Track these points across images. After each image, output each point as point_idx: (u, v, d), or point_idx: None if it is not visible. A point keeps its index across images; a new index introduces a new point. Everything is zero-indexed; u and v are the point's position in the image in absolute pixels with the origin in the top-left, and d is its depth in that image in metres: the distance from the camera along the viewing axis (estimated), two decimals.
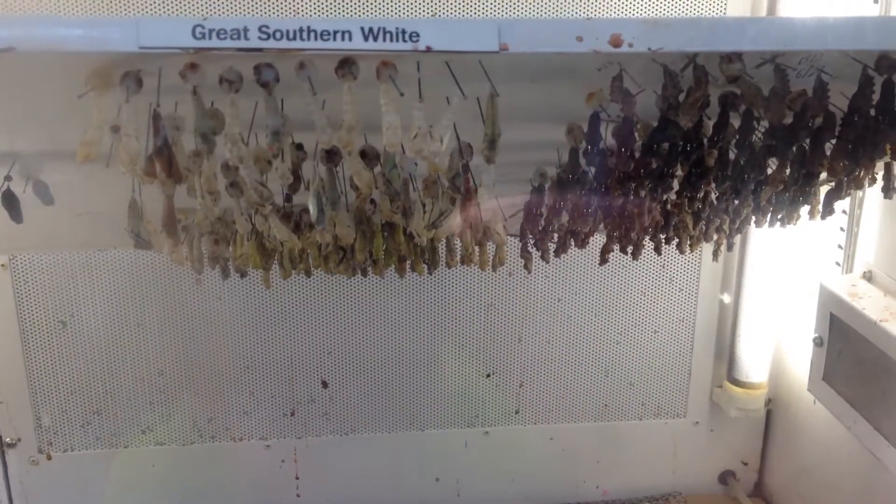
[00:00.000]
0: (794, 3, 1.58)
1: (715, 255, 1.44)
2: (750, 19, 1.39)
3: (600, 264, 1.36)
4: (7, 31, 0.70)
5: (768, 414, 1.95)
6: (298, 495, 1.87)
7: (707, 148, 0.92)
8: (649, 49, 0.76)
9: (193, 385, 1.76)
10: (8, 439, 1.75)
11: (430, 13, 1.54)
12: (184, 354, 1.74)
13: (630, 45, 0.76)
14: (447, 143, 0.80)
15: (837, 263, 1.66)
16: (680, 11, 1.60)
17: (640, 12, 1.60)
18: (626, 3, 1.60)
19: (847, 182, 1.05)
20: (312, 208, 0.86)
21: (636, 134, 0.91)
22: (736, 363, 1.87)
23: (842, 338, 1.57)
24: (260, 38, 0.73)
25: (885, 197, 1.11)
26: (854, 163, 0.91)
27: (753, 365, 1.86)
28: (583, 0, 1.58)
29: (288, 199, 1.05)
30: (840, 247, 1.65)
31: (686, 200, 1.16)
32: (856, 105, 0.84)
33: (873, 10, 1.42)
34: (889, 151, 0.92)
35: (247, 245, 1.20)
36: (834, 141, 0.93)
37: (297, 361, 1.78)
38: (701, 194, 1.13)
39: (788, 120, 0.90)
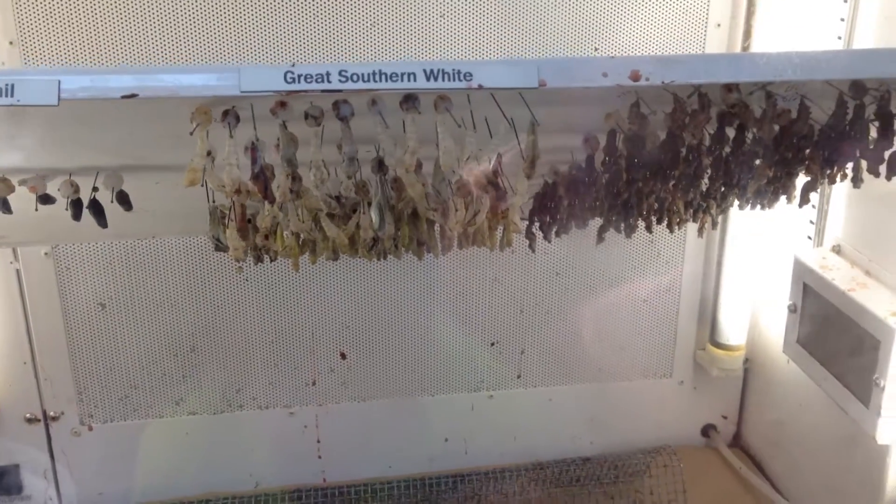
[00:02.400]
0: (765, 41, 1.77)
1: (700, 231, 1.59)
2: (746, 55, 1.54)
3: (597, 243, 1.50)
4: (133, 80, 0.83)
5: (746, 373, 2.14)
6: (320, 457, 2.02)
7: (706, 154, 1.07)
8: (662, 82, 0.91)
9: (222, 359, 1.90)
10: (52, 413, 1.88)
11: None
12: (213, 331, 1.88)
13: (647, 80, 0.91)
14: (494, 164, 0.95)
15: (809, 237, 1.84)
16: (659, 47, 1.78)
17: (629, 49, 1.77)
18: (620, 42, 1.78)
19: (821, 177, 1.21)
20: (375, 217, 1.01)
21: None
22: (717, 328, 2.05)
23: (813, 305, 1.75)
24: (340, 80, 0.87)
25: (854, 186, 1.27)
26: (829, 167, 1.08)
27: (733, 329, 2.04)
28: (580, 40, 1.76)
29: (337, 199, 1.19)
30: (812, 222, 1.83)
31: (680, 192, 1.32)
32: (832, 123, 1.00)
33: (837, 45, 1.59)
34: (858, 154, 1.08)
35: (290, 238, 1.34)
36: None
37: (317, 335, 1.92)
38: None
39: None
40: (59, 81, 0.83)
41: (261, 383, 1.95)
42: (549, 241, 1.47)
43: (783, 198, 1.37)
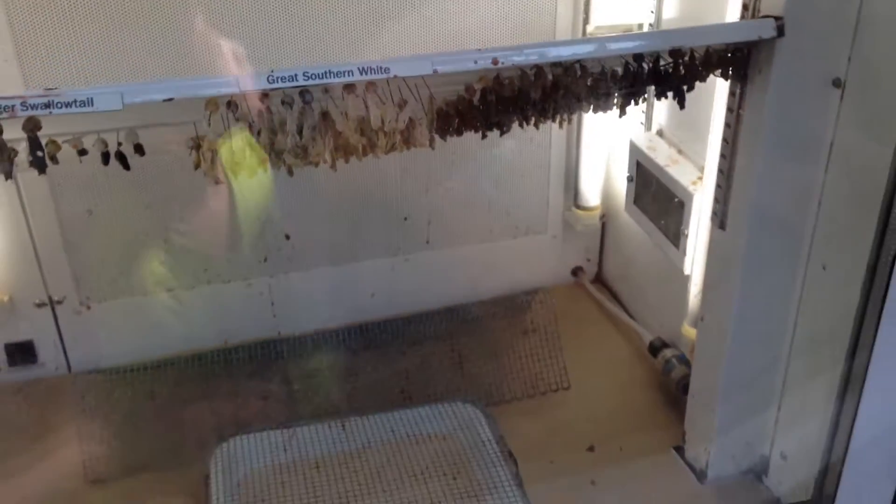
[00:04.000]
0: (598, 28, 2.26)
1: (560, 125, 2.10)
2: (565, 41, 2.01)
3: (482, 139, 2.01)
4: (170, 89, 1.28)
5: (603, 227, 2.71)
6: (274, 316, 2.50)
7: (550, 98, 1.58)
8: (513, 64, 1.41)
9: (192, 245, 2.34)
10: (56, 298, 2.32)
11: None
12: (181, 224, 2.31)
13: (502, 63, 1.41)
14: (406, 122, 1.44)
15: (641, 123, 2.39)
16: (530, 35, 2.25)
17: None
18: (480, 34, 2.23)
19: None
20: (329, 159, 1.49)
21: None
22: (579, 193, 2.61)
23: (643, 176, 2.30)
24: (304, 78, 1.33)
25: (657, 99, 1.81)
26: (630, 97, 1.61)
27: (590, 194, 2.60)
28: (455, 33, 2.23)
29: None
30: (643, 112, 2.37)
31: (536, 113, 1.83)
32: (628, 78, 1.52)
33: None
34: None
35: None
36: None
37: (266, 222, 2.36)
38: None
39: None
40: (122, 94, 1.27)
41: (223, 263, 2.40)
42: (445, 141, 1.96)
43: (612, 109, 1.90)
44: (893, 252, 1.47)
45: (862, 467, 1.72)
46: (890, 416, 1.66)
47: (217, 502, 1.91)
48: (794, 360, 1.86)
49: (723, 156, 1.76)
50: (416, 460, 2.03)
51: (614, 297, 2.73)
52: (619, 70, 1.54)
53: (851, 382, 1.65)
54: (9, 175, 1.36)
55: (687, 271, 2.12)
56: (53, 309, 2.34)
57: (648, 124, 2.34)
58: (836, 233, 1.66)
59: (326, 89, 1.37)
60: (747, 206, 1.72)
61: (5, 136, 1.33)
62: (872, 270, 1.53)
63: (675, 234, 2.14)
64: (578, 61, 1.46)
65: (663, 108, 2.29)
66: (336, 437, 2.10)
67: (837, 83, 1.57)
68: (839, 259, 1.65)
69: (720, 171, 1.78)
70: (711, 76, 1.62)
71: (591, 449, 2.17)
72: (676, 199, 2.11)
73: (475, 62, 1.39)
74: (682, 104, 1.63)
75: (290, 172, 1.76)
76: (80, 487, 2.09)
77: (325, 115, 1.48)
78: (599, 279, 2.82)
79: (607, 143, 2.52)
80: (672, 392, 2.27)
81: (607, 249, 2.76)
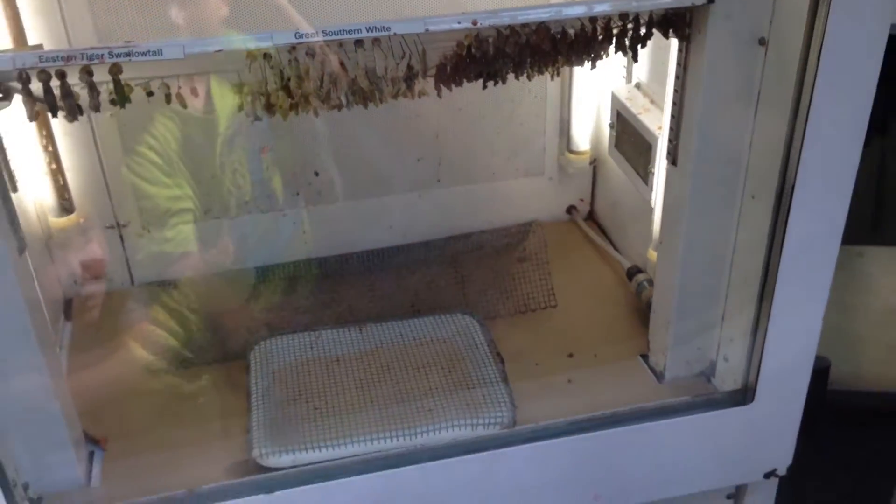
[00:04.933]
0: None
1: (551, 77, 2.46)
2: (531, 7, 2.18)
3: (483, 89, 2.37)
4: (219, 43, 1.67)
5: (594, 170, 3.06)
6: (305, 242, 2.91)
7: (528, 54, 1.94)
8: (490, 25, 1.78)
9: (235, 179, 2.76)
10: (122, 223, 2.74)
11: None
12: (226, 161, 2.72)
13: (480, 24, 1.77)
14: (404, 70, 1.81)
15: (623, 77, 2.73)
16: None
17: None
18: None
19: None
20: (345, 100, 1.88)
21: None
22: (571, 139, 2.97)
23: (622, 123, 2.67)
24: (323, 35, 1.72)
25: (624, 55, 2.16)
26: (594, 56, 1.96)
27: (581, 140, 2.95)
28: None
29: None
30: (624, 67, 2.72)
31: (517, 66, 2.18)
32: (585, 37, 1.88)
33: None
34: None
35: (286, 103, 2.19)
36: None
37: (298, 161, 2.75)
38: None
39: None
40: (184, 46, 1.66)
41: (261, 195, 2.78)
42: (451, 91, 2.32)
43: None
44: (793, 180, 1.82)
45: (775, 366, 2.09)
46: (795, 328, 2.04)
47: (255, 385, 2.33)
48: (735, 276, 2.20)
49: (674, 103, 2.11)
50: (419, 358, 2.43)
51: (603, 232, 3.08)
52: (580, 30, 1.90)
53: (765, 295, 2.01)
54: (97, 108, 1.76)
55: (653, 204, 2.47)
56: (120, 232, 2.75)
57: (629, 78, 2.68)
58: (762, 166, 2.00)
59: (341, 44, 1.75)
60: (693, 144, 2.06)
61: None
62: (779, 197, 1.88)
63: (645, 173, 2.49)
64: (542, 23, 1.83)
65: (642, 63, 2.63)
66: (354, 339, 2.51)
67: (762, 42, 1.90)
68: (763, 189, 2.00)
69: (672, 115, 2.13)
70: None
71: (570, 356, 2.54)
72: (646, 143, 2.46)
73: (458, 22, 1.76)
74: (634, 58, 1.99)
75: (316, 114, 2.13)
76: (140, 377, 2.52)
77: (341, 64, 1.86)
78: (592, 217, 3.16)
79: (596, 94, 2.86)
80: (643, 310, 2.63)
81: (598, 190, 3.10)
